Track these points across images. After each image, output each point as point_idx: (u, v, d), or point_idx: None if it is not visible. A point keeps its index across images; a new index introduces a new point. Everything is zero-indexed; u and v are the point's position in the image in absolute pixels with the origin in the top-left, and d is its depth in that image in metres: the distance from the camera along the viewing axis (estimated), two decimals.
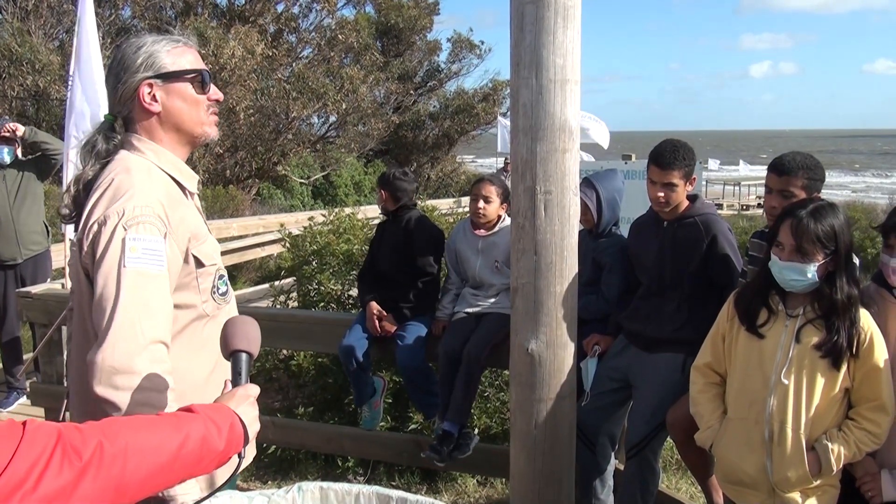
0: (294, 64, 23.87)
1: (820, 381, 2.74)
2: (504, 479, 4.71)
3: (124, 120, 2.15)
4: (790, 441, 2.76)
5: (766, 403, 2.80)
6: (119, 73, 2.10)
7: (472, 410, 4.85)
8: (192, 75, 2.16)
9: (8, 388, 6.47)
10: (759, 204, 31.11)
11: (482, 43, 29.41)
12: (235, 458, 1.54)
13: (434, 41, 29.69)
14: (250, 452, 2.21)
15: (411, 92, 29.16)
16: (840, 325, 2.71)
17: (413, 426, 4.96)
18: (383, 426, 4.97)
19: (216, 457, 1.46)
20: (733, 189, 36.59)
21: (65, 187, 6.42)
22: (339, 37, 24.09)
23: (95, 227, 1.92)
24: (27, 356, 6.74)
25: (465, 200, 16.45)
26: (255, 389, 1.69)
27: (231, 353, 1.76)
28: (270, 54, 21.25)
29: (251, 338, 1.79)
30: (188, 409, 1.49)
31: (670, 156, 3.54)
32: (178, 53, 2.15)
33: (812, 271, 2.71)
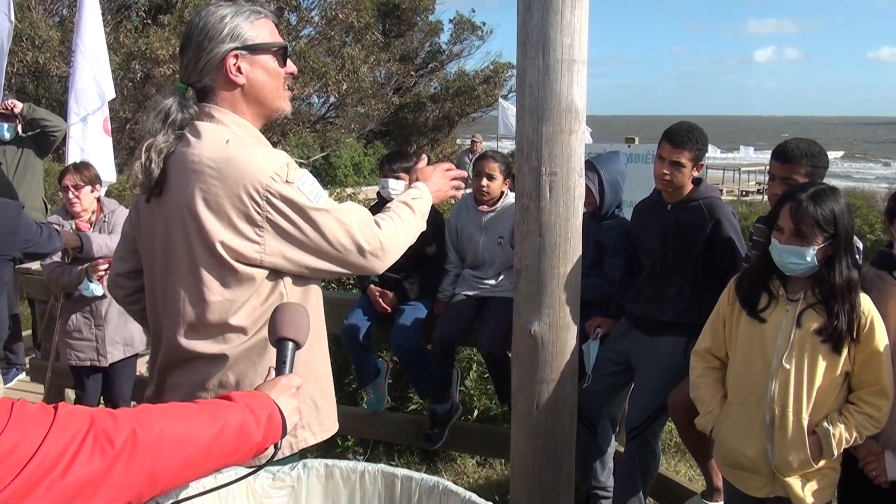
0: (294, 43, 23.70)
1: (821, 366, 2.74)
2: (503, 460, 4.72)
3: (201, 91, 2.12)
4: (791, 425, 2.76)
5: (767, 388, 2.80)
6: (203, 43, 2.07)
7: (473, 392, 4.86)
8: (276, 48, 2.16)
9: (7, 364, 6.47)
10: (758, 190, 31.08)
11: (484, 24, 29.18)
12: (271, 448, 1.52)
13: (436, 22, 29.43)
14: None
15: (412, 73, 28.98)
16: (840, 309, 2.70)
17: (413, 406, 4.97)
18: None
19: (253, 447, 1.44)
20: (733, 175, 36.49)
21: (69, 160, 6.44)
22: (340, 16, 23.93)
23: (247, 198, 1.99)
24: (26, 333, 6.75)
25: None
26: (297, 380, 1.65)
27: (277, 341, 1.71)
28: None
29: (300, 327, 1.74)
30: (227, 398, 1.46)
31: (685, 135, 3.52)
32: (260, 25, 2.14)
33: (811, 255, 2.70)
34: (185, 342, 2.11)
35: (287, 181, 2.01)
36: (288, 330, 1.71)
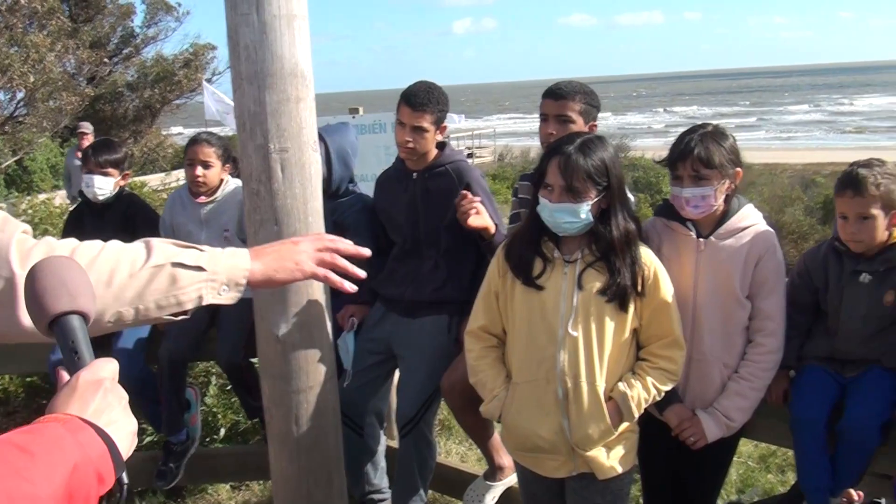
0: None
1: (609, 327, 2.54)
2: (261, 481, 4.22)
3: None
4: (586, 396, 2.54)
5: (555, 360, 2.55)
6: None
7: (216, 409, 4.31)
8: None
9: None
10: (469, 154, 32.48)
11: (179, 5, 27.60)
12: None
13: (127, 5, 27.36)
14: None
15: (106, 60, 26.67)
16: (621, 264, 2.52)
17: (149, 439, 4.29)
18: None
19: None
20: None
21: None
22: (22, 1, 21.42)
23: None
24: None
25: (177, 174, 14.93)
26: (107, 367, 1.07)
27: (51, 323, 1.12)
28: None
29: (78, 287, 1.14)
30: (22, 448, 0.85)
31: (424, 96, 3.21)
32: None
33: (585, 211, 2.49)
34: None
35: None
36: (61, 299, 1.12)
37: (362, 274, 1.83)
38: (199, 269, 1.51)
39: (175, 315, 1.50)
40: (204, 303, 1.51)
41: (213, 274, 1.53)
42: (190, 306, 1.50)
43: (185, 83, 26.33)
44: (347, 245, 1.82)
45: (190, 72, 26.21)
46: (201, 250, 1.56)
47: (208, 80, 22.90)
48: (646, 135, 49.96)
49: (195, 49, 26.80)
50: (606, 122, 65.69)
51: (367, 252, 1.85)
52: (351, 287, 1.81)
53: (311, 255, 1.74)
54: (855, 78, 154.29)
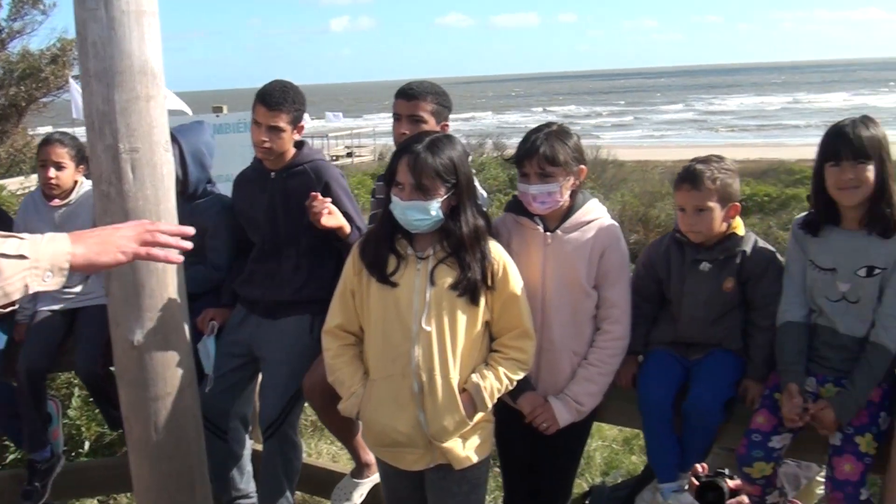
0: None
1: (462, 321, 2.62)
2: (129, 493, 4.11)
3: None
4: (441, 389, 2.61)
5: (410, 355, 2.61)
6: None
7: (80, 421, 4.17)
8: None
9: None
10: (348, 153, 32.22)
11: None
12: None
13: None
14: None
15: None
16: (472, 259, 2.61)
17: (13, 456, 4.10)
18: None
19: None
20: (323, 141, 37.38)
21: None
22: None
23: None
24: None
25: (36, 176, 14.21)
26: None
27: None
28: None
29: None
30: None
31: (279, 96, 3.20)
32: None
33: (435, 208, 2.57)
34: None
35: None
36: None
37: (187, 245, 1.89)
38: (22, 257, 1.50)
39: (3, 307, 1.50)
40: (30, 291, 1.51)
41: (36, 261, 1.53)
42: (17, 296, 1.51)
43: (53, 80, 25.12)
44: (168, 226, 1.88)
45: (57, 68, 25.05)
46: (21, 238, 1.55)
47: (76, 78, 21.99)
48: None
49: (62, 44, 25.60)
50: (485, 120, 66.49)
51: (190, 230, 1.92)
52: (177, 258, 1.87)
53: (131, 237, 1.75)
54: (724, 79, 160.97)
